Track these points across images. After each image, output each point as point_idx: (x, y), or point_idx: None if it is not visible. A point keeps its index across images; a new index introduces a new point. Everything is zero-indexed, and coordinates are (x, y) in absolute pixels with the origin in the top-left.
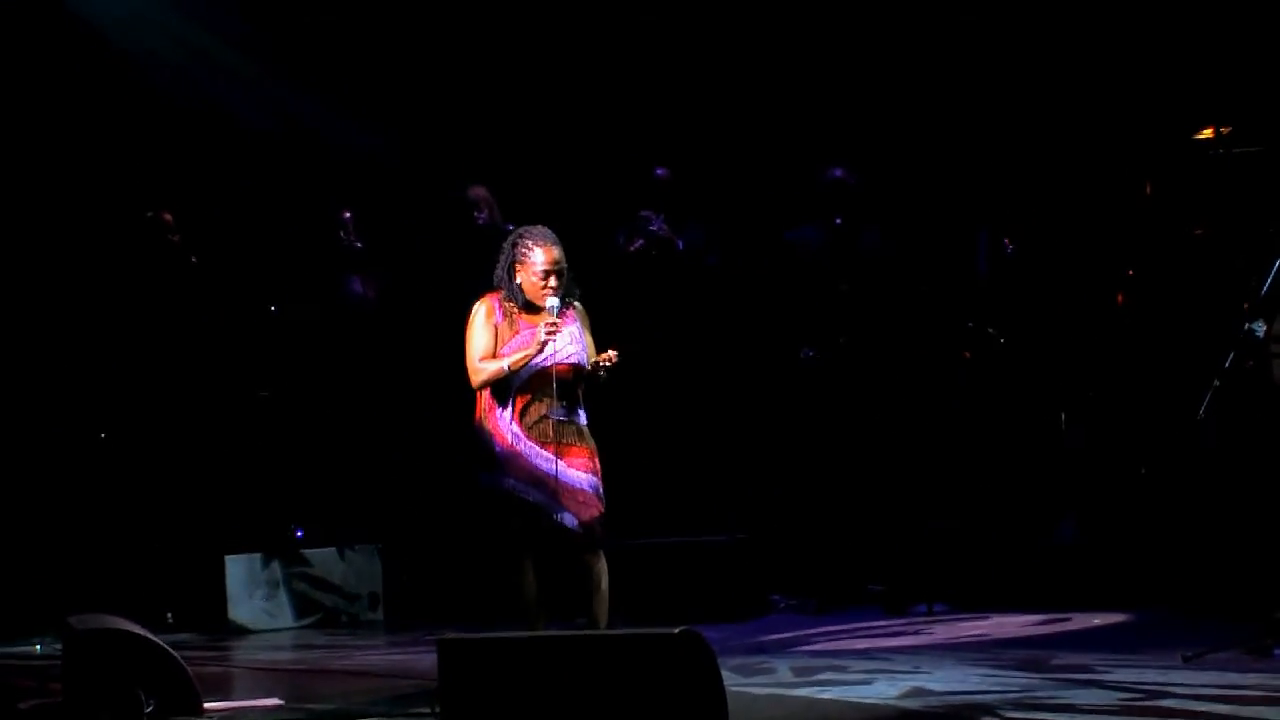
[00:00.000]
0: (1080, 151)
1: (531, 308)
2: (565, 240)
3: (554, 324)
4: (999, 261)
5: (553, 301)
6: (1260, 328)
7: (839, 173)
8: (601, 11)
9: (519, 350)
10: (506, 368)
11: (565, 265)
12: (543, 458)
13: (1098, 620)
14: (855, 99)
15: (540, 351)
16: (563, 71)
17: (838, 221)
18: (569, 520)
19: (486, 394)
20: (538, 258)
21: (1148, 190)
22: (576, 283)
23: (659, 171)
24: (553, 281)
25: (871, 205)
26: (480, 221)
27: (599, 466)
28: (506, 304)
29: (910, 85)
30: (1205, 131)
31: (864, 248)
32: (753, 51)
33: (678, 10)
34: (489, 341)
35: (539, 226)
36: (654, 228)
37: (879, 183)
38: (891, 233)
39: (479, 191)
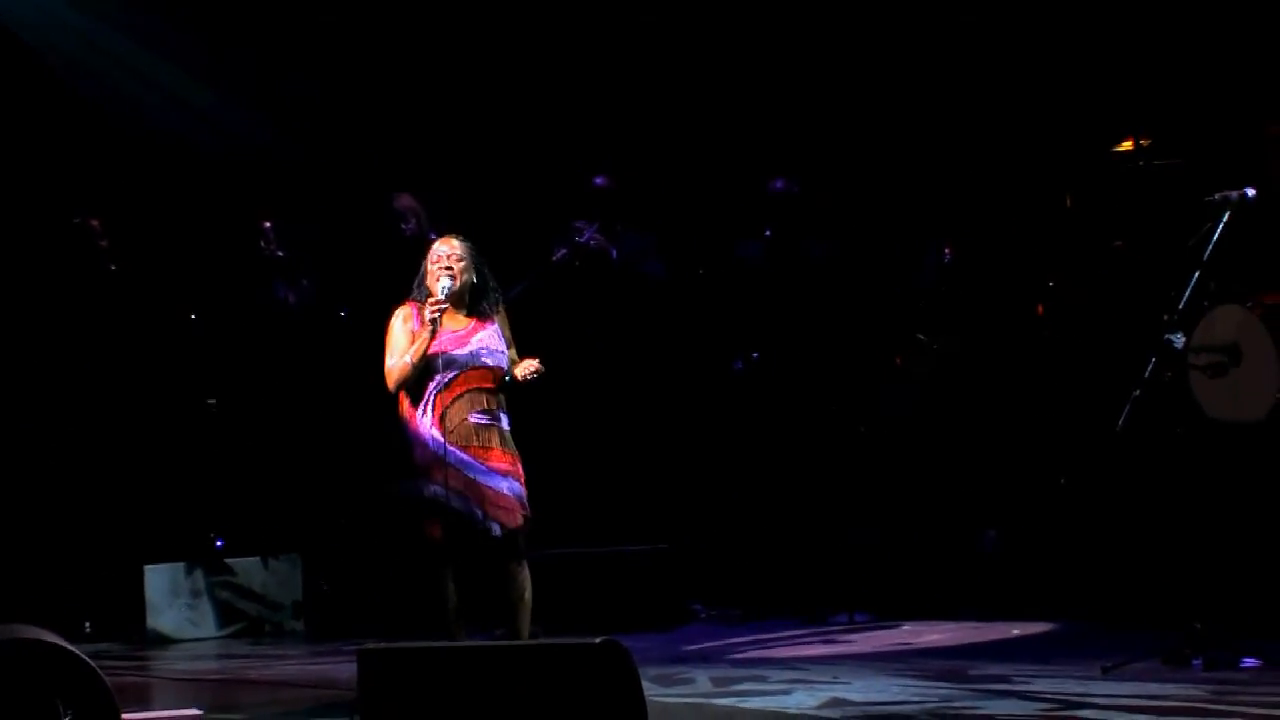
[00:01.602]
0: (1002, 163)
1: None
2: (500, 248)
3: (439, 302)
4: (938, 270)
5: (445, 283)
6: (1179, 339)
7: (780, 184)
8: (542, 17)
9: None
10: (409, 360)
11: (469, 258)
12: (464, 462)
13: (1018, 630)
14: (796, 110)
15: (434, 334)
16: (500, 78)
17: (767, 234)
18: (493, 527)
19: (406, 400)
20: (434, 251)
21: (1068, 202)
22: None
23: (598, 180)
24: (445, 263)
25: (814, 215)
26: (407, 231)
27: (522, 473)
28: (422, 310)
29: (849, 97)
30: (1125, 144)
31: (808, 258)
32: (696, 60)
33: (620, 17)
34: (405, 345)
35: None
36: (583, 239)
37: (824, 194)
38: (836, 243)
39: (406, 200)
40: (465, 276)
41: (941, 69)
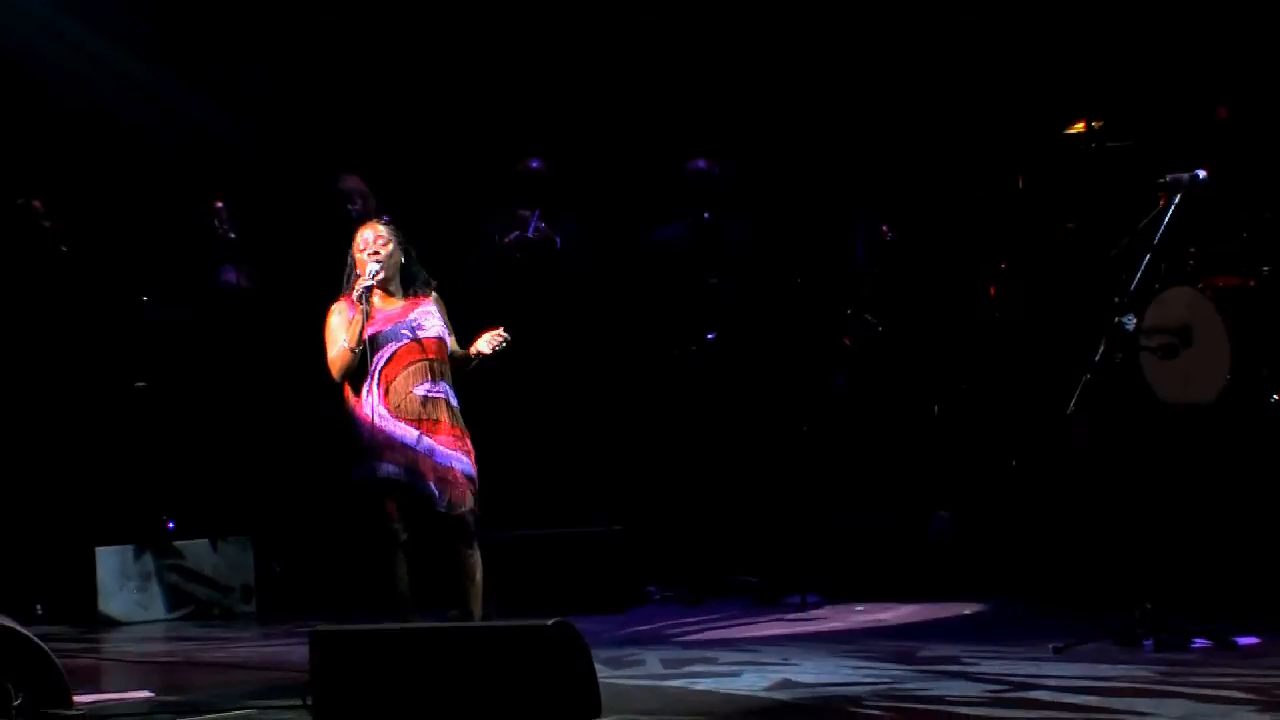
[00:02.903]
0: (953, 144)
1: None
2: (436, 232)
3: (368, 284)
4: (877, 249)
5: (372, 266)
6: (1130, 321)
7: (702, 164)
8: (480, 4)
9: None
10: (346, 345)
11: (395, 240)
12: (410, 435)
13: (968, 612)
14: (720, 88)
15: (368, 316)
16: (437, 62)
17: (706, 216)
18: (440, 501)
19: (349, 386)
20: (360, 238)
21: (1020, 183)
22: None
23: (534, 164)
24: (372, 247)
25: (739, 197)
26: (354, 212)
27: (471, 450)
28: (357, 300)
29: (780, 73)
30: (1077, 125)
31: (731, 240)
32: (615, 40)
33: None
34: (343, 336)
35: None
36: (530, 232)
37: (747, 174)
38: (760, 224)
39: (352, 182)
40: (393, 259)
41: (893, 50)
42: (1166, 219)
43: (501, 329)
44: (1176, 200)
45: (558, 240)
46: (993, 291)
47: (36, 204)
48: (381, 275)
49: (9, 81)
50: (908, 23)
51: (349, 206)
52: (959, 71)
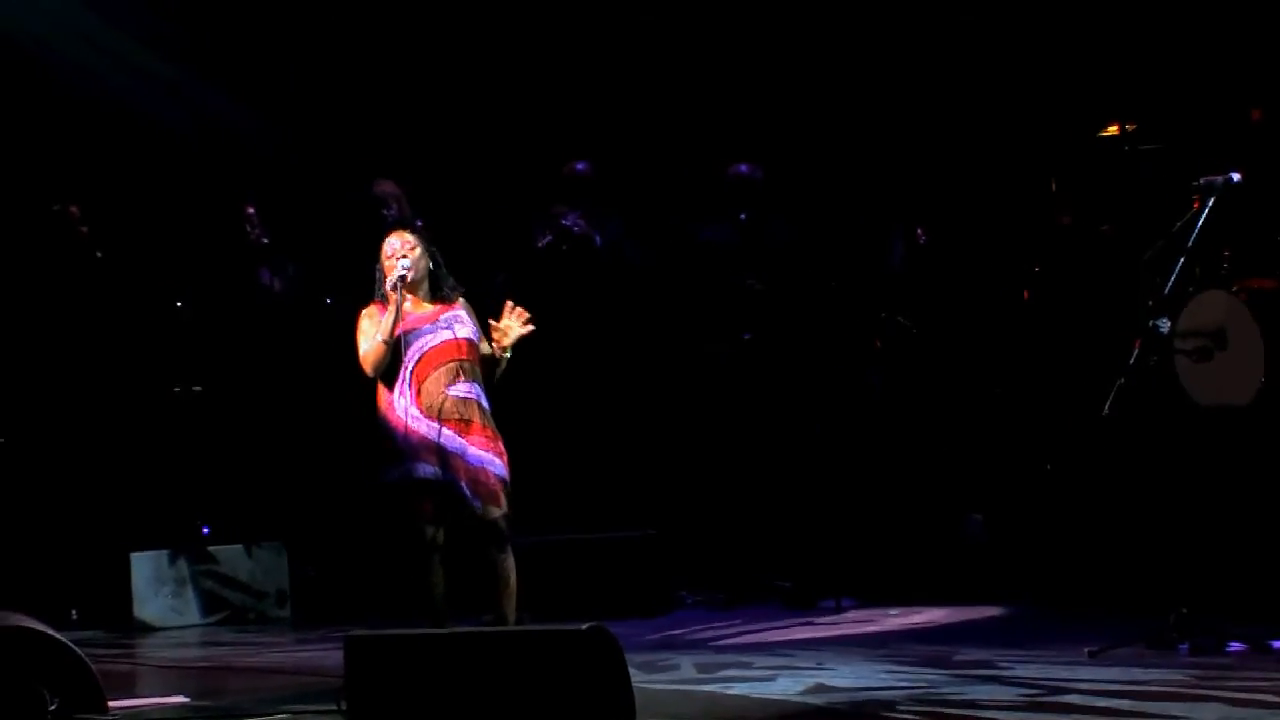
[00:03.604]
0: (986, 147)
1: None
2: (480, 235)
3: (401, 273)
4: (912, 252)
5: (404, 263)
6: (1164, 324)
7: (744, 169)
8: (520, 5)
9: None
10: (380, 338)
11: (422, 245)
12: (444, 435)
13: (1003, 615)
14: (762, 93)
15: (398, 310)
16: (479, 65)
17: (742, 217)
18: (475, 503)
19: (383, 388)
20: (387, 246)
21: (1053, 186)
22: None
23: (579, 166)
24: (401, 251)
25: (779, 199)
26: (389, 217)
27: (504, 453)
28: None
29: (818, 77)
30: (1110, 128)
31: (772, 242)
32: (659, 45)
33: (591, 6)
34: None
35: None
36: (566, 222)
37: (786, 177)
38: (800, 226)
39: (387, 186)
40: (420, 262)
41: (927, 53)
42: (1200, 222)
43: (520, 313)
44: (1211, 203)
45: (596, 238)
46: (1026, 295)
47: (73, 210)
48: (412, 273)
49: (44, 87)
50: (942, 27)
51: (384, 211)
52: (993, 75)
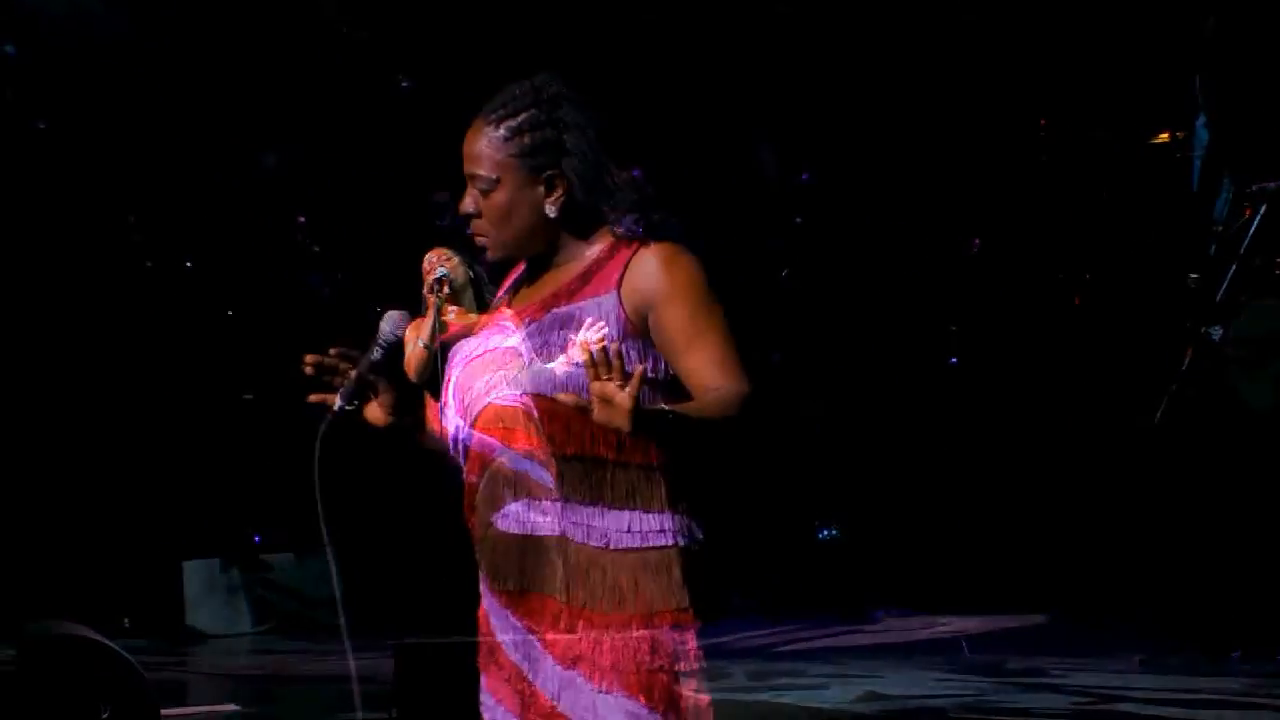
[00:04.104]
0: (1036, 155)
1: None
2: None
3: (442, 273)
4: (966, 260)
5: (442, 268)
6: (1217, 332)
7: (805, 177)
8: (568, 15)
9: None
10: (420, 343)
11: (460, 259)
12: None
13: (1055, 624)
14: (822, 104)
15: (438, 314)
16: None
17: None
18: None
19: (427, 394)
20: (426, 261)
21: (1104, 194)
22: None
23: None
24: (438, 262)
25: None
26: (443, 227)
27: None
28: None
29: (871, 88)
30: (1162, 136)
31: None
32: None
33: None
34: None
35: None
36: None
37: (841, 185)
38: (851, 235)
39: (443, 196)
40: (459, 269)
41: (976, 61)
42: (1253, 229)
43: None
44: (1263, 210)
45: None
46: (1077, 301)
47: (129, 219)
48: (452, 274)
49: (96, 99)
50: (993, 36)
51: (438, 222)
52: (1043, 84)
